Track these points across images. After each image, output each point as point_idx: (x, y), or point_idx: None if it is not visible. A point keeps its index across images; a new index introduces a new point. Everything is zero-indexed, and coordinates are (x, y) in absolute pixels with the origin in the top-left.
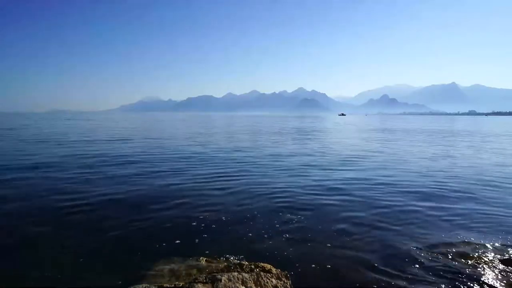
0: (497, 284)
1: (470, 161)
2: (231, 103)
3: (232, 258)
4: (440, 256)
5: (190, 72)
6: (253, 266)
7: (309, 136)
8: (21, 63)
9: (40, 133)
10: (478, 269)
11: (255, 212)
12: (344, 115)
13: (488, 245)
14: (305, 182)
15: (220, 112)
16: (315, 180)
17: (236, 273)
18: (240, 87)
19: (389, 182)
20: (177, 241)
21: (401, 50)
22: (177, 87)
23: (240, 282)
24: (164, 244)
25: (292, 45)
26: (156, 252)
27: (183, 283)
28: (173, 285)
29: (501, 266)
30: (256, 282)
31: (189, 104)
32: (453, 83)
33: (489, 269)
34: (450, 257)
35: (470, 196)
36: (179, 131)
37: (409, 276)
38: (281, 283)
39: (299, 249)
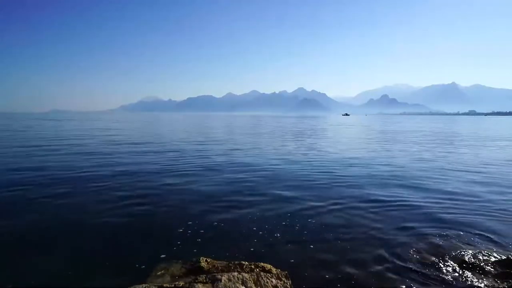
0: (496, 285)
1: None
2: (231, 103)
3: (232, 258)
4: (442, 258)
5: (190, 72)
6: (253, 266)
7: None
8: (21, 64)
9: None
10: (476, 269)
11: (256, 212)
12: (348, 115)
13: (486, 245)
14: (307, 182)
15: (221, 112)
16: (317, 181)
17: (236, 273)
18: (240, 87)
19: (389, 177)
20: (177, 241)
21: (401, 50)
22: (177, 87)
23: (240, 282)
24: (164, 244)
25: (292, 45)
26: (156, 252)
27: (183, 283)
28: (173, 285)
29: (499, 267)
30: (256, 282)
31: (189, 104)
32: (453, 83)
33: (486, 270)
34: (451, 257)
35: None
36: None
37: (410, 277)
38: (281, 283)
39: (299, 249)
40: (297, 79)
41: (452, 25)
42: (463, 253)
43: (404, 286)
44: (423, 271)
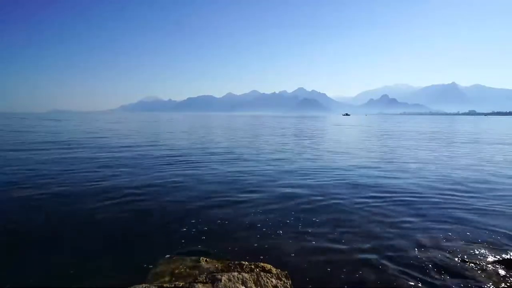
0: (496, 285)
1: None
2: (231, 103)
3: (232, 258)
4: (442, 257)
5: (190, 72)
6: (253, 266)
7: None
8: (21, 64)
9: None
10: (477, 269)
11: (256, 212)
12: (349, 115)
13: (487, 245)
14: (307, 182)
15: (221, 112)
16: (318, 180)
17: (236, 273)
18: (240, 87)
19: (393, 185)
20: (178, 241)
21: (401, 50)
22: (177, 87)
23: (240, 282)
24: (164, 244)
25: (292, 45)
26: (156, 252)
27: (183, 283)
28: (173, 285)
29: (499, 267)
30: (256, 282)
31: (189, 104)
32: (453, 83)
33: (488, 270)
34: (452, 258)
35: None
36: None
37: (410, 276)
38: (281, 283)
39: (299, 249)
40: (297, 79)
41: (452, 25)
42: (464, 250)
43: (405, 285)
44: (425, 269)
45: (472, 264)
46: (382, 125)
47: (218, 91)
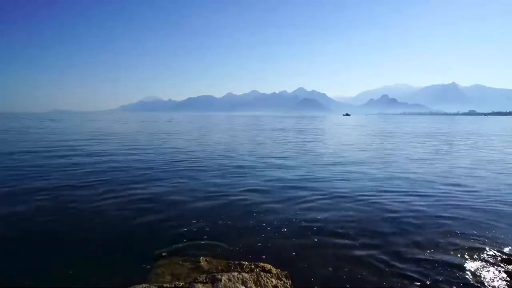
0: (497, 284)
1: None
2: (231, 103)
3: (232, 258)
4: (442, 256)
5: (190, 72)
6: (253, 266)
7: None
8: (21, 64)
9: None
10: (479, 269)
11: (256, 212)
12: (349, 115)
13: (489, 244)
14: (308, 182)
15: (221, 112)
16: (316, 181)
17: (236, 273)
18: (240, 87)
19: (393, 184)
20: (177, 241)
21: (401, 50)
22: (177, 87)
23: (240, 282)
24: (164, 244)
25: (292, 45)
26: (157, 251)
27: (183, 283)
28: (173, 285)
29: (501, 267)
30: (256, 282)
31: (189, 104)
32: (453, 83)
33: (489, 269)
34: (452, 257)
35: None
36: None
37: (410, 276)
38: (281, 283)
39: (299, 249)
40: (297, 79)
41: (452, 25)
42: (465, 249)
43: (405, 284)
44: (426, 269)
45: (473, 262)
46: (382, 125)
47: (218, 91)
